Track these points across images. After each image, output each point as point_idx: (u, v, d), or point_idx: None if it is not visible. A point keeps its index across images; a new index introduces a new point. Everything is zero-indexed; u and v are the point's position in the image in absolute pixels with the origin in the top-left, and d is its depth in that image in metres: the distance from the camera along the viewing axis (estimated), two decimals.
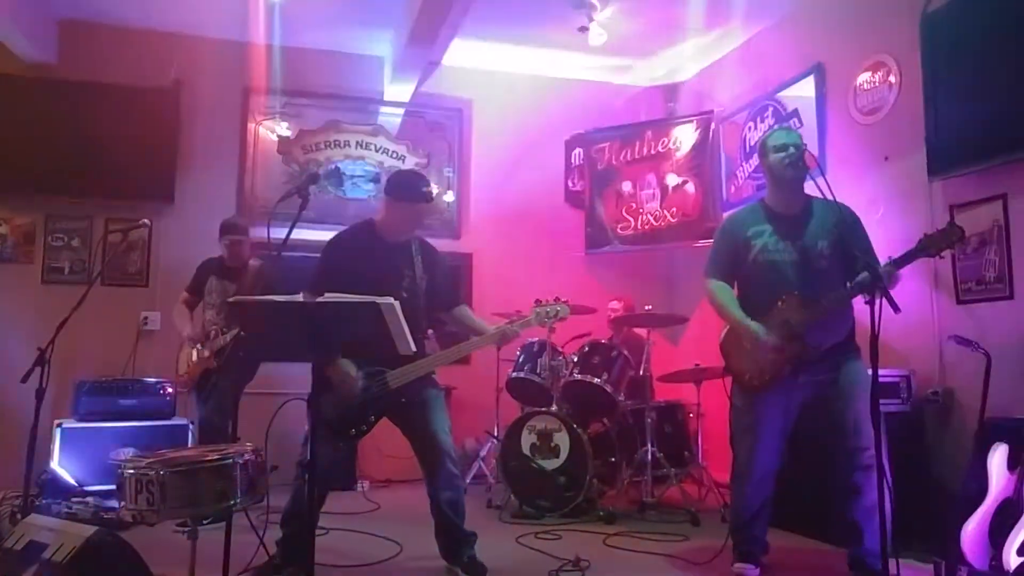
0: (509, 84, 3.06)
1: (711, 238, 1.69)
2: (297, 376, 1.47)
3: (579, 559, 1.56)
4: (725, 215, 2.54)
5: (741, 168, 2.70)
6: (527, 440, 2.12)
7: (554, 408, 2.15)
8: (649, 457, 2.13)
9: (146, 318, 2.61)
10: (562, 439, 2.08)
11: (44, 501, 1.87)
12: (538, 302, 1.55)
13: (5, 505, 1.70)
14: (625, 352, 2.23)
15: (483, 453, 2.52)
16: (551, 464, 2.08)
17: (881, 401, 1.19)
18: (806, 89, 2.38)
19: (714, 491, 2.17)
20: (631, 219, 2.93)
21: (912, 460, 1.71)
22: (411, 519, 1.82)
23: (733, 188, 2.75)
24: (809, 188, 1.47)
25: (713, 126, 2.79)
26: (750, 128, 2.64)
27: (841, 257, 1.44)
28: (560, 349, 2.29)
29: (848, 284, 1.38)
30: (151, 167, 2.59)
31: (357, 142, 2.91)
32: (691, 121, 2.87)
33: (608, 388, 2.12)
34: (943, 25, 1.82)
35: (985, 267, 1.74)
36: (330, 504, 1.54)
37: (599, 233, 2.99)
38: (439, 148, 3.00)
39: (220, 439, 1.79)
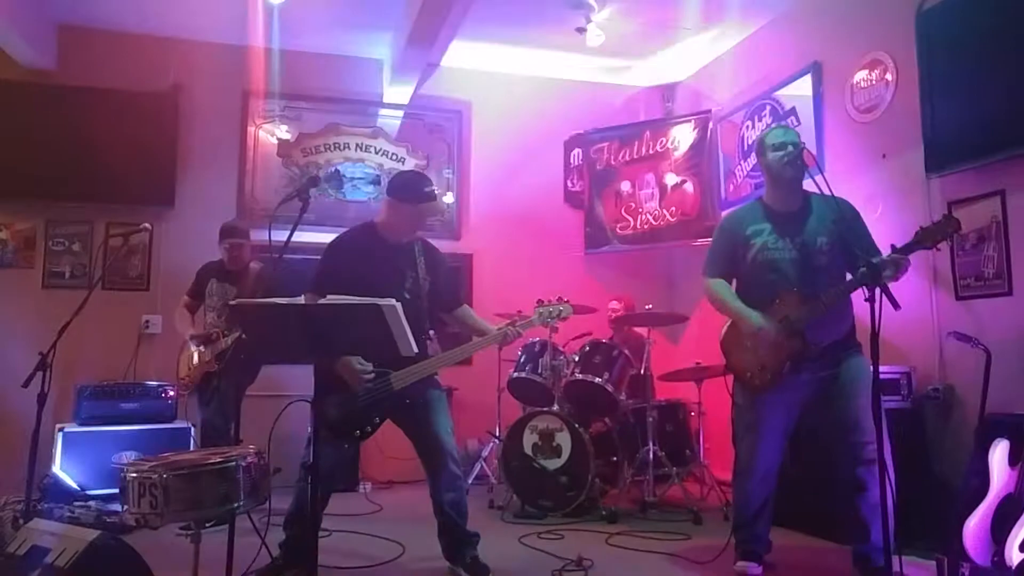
0: (508, 85, 3.07)
1: (710, 237, 1.70)
2: (300, 378, 1.47)
3: (582, 559, 1.56)
4: (723, 214, 2.56)
5: (739, 167, 2.71)
6: (529, 440, 2.13)
7: (556, 408, 2.16)
8: (651, 456, 2.13)
9: (147, 322, 2.61)
10: (564, 439, 2.08)
11: (46, 506, 1.87)
12: (540, 302, 1.56)
13: (7, 510, 1.70)
14: (626, 351, 2.23)
15: (485, 453, 2.53)
16: (553, 464, 2.08)
17: (882, 398, 1.20)
18: (803, 88, 2.38)
19: (716, 489, 2.18)
20: (630, 219, 2.93)
21: (913, 456, 1.71)
22: (413, 520, 1.83)
23: (731, 187, 2.75)
24: (807, 185, 1.47)
25: (711, 125, 2.80)
26: (748, 127, 2.65)
27: (841, 253, 1.44)
28: (561, 349, 2.29)
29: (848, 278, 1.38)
30: (151, 171, 2.60)
31: (357, 144, 2.92)
32: (689, 121, 2.87)
33: (609, 387, 2.13)
34: (939, 22, 1.82)
35: (984, 263, 1.75)
36: (332, 505, 1.54)
37: (598, 233, 3.00)
38: (439, 150, 3.01)
39: (222, 442, 1.79)
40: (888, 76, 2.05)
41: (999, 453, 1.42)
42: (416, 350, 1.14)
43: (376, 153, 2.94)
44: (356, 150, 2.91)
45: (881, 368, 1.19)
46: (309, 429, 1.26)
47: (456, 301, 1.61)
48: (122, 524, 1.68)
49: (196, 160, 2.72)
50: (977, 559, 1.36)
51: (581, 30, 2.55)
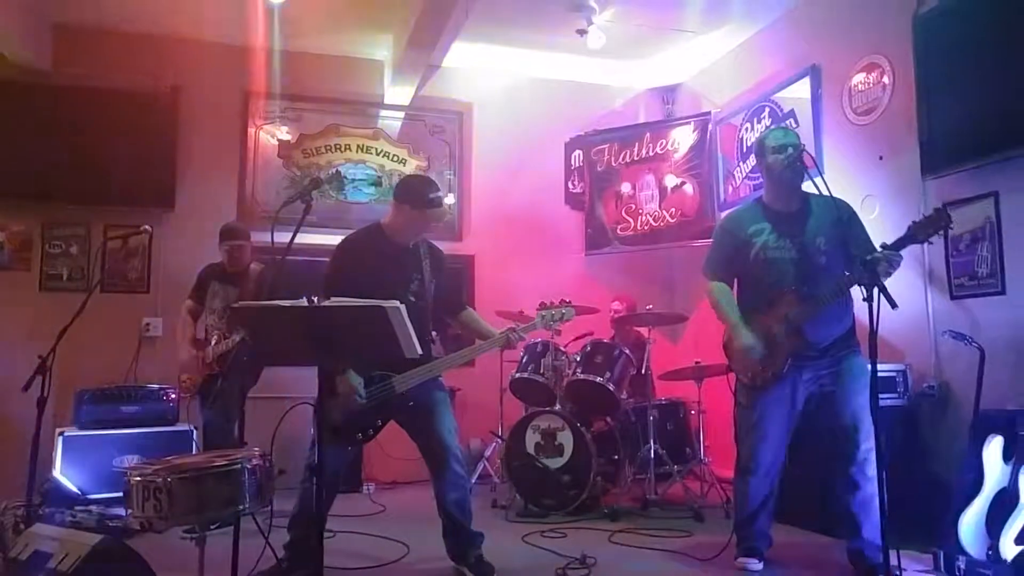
0: (509, 87, 3.07)
1: (709, 238, 1.73)
2: (303, 380, 1.48)
3: (585, 556, 1.57)
4: (722, 214, 2.58)
5: (738, 168, 2.73)
6: (531, 439, 2.14)
7: (558, 407, 2.17)
8: (652, 454, 2.15)
9: (148, 324, 2.59)
10: (566, 438, 2.09)
11: (47, 510, 1.85)
12: (543, 305, 1.57)
13: (8, 515, 1.68)
14: (627, 351, 2.24)
15: (488, 453, 2.53)
16: (555, 463, 2.09)
17: (879, 395, 1.21)
18: (802, 90, 2.41)
19: (716, 487, 2.19)
20: (631, 220, 2.95)
21: (909, 453, 1.74)
22: (417, 520, 1.82)
23: (730, 188, 2.78)
24: (806, 186, 1.49)
25: (711, 127, 2.83)
26: (747, 129, 2.67)
27: (840, 253, 1.46)
28: (563, 349, 2.30)
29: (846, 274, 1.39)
30: (150, 173, 2.58)
31: (358, 146, 2.91)
32: (689, 123, 2.90)
33: (611, 387, 2.14)
34: (935, 26, 1.85)
35: (978, 263, 1.78)
36: (336, 506, 1.54)
37: (599, 234, 3.01)
38: (440, 151, 3.00)
39: (225, 444, 1.79)
40: (885, 79, 2.08)
41: (993, 449, 1.44)
42: (420, 352, 1.14)
43: (377, 154, 2.93)
44: (357, 151, 2.91)
45: (879, 366, 1.20)
46: (312, 431, 1.26)
47: (461, 304, 1.62)
48: (124, 528, 1.68)
49: (196, 161, 2.70)
50: (972, 553, 1.39)
51: (582, 32, 2.56)
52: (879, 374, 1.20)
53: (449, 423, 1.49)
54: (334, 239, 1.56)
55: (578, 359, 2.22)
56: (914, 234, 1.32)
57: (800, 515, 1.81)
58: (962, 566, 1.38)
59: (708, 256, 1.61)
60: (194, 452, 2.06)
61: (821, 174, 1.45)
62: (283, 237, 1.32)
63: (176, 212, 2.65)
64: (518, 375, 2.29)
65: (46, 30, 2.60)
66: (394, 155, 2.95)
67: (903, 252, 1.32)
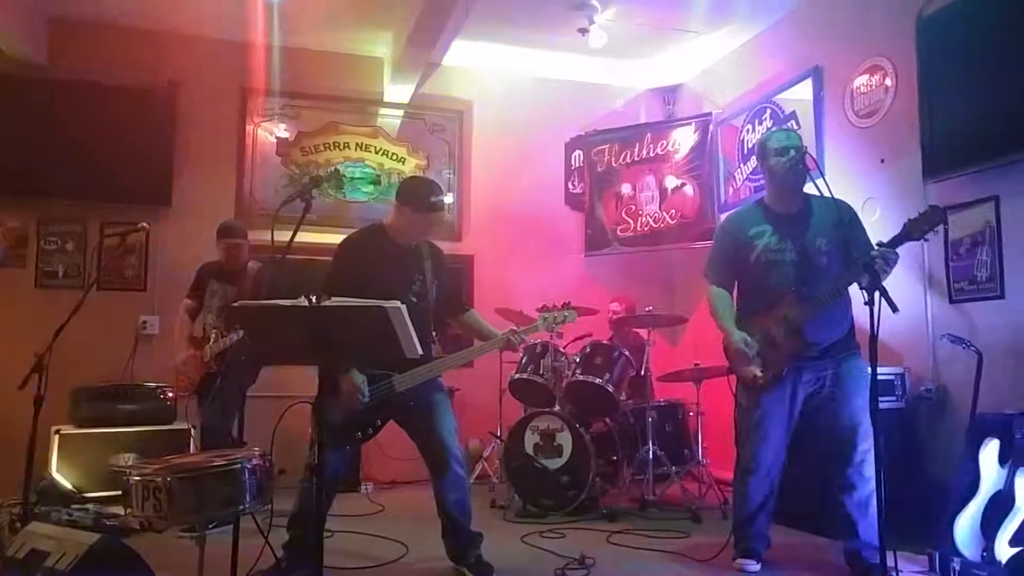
0: (509, 86, 3.06)
1: (709, 239, 1.74)
2: (303, 379, 1.46)
3: (584, 557, 1.58)
4: (723, 216, 2.57)
5: (739, 170, 2.73)
6: (530, 440, 2.14)
7: (557, 408, 2.17)
8: (650, 455, 2.15)
9: (145, 323, 2.58)
10: (565, 439, 2.10)
11: (43, 509, 1.85)
12: (544, 308, 1.57)
13: (4, 513, 1.67)
14: (627, 353, 2.25)
15: (487, 453, 2.54)
16: (554, 463, 2.10)
17: (878, 398, 1.22)
18: (804, 92, 2.41)
19: (714, 488, 2.20)
20: (631, 221, 2.95)
21: (906, 455, 1.75)
22: (416, 520, 1.83)
23: (731, 190, 2.77)
24: (808, 187, 1.49)
25: (712, 128, 2.82)
26: (748, 130, 2.67)
27: (840, 254, 1.46)
28: (562, 350, 2.31)
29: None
30: (147, 169, 2.56)
31: (357, 144, 2.89)
32: (690, 123, 2.89)
33: (610, 388, 2.14)
34: (939, 29, 1.85)
35: (977, 267, 1.79)
36: (335, 506, 1.55)
37: (599, 235, 3.01)
38: (439, 150, 2.99)
39: (224, 443, 1.78)
40: (888, 82, 2.08)
41: (990, 452, 1.46)
42: (421, 352, 1.14)
43: (376, 153, 2.92)
44: (356, 149, 2.89)
45: (878, 369, 1.21)
46: (311, 430, 1.26)
47: (463, 305, 1.62)
48: (121, 526, 1.67)
49: (193, 158, 2.68)
50: (968, 554, 1.40)
51: (583, 31, 2.55)
52: (878, 377, 1.21)
53: (449, 423, 1.49)
54: (332, 238, 1.57)
55: (577, 360, 2.23)
56: (909, 231, 1.32)
57: (798, 516, 1.82)
58: (957, 567, 1.39)
59: (709, 258, 1.61)
60: (191, 451, 2.05)
61: (823, 176, 1.45)
62: (281, 236, 1.31)
63: (173, 209, 2.63)
64: (517, 376, 2.29)
65: (43, 24, 2.57)
66: (393, 154, 2.94)
67: (899, 250, 1.32)
